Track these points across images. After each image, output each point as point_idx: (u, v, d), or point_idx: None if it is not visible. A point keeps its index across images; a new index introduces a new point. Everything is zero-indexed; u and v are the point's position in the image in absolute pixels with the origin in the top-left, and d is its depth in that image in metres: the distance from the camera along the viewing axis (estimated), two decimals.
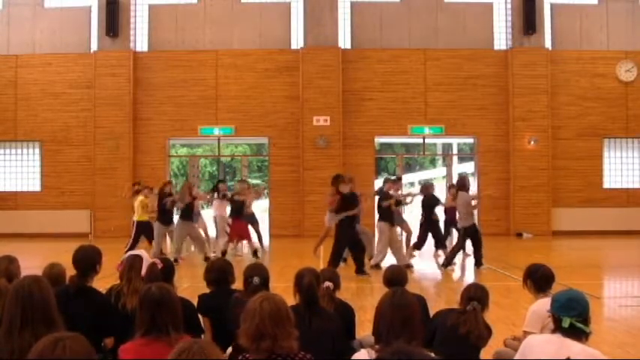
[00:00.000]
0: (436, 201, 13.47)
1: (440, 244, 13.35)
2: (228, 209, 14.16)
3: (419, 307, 3.54)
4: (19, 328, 3.13)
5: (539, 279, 4.71)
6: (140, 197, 13.66)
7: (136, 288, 4.48)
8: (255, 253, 13.34)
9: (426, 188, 13.67)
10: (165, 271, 4.69)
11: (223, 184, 15.29)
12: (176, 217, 13.76)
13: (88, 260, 4.61)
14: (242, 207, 13.80)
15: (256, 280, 4.42)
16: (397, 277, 4.89)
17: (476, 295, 4.33)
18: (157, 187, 14.02)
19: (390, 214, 11.93)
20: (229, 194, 14.31)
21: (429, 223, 13.15)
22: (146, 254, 5.24)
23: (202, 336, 4.53)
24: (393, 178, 13.79)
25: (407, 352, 2.31)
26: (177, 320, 3.36)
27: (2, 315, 3.25)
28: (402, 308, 3.36)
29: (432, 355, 3.16)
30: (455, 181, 16.28)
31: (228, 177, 39.44)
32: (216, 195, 14.92)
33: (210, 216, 15.89)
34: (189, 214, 13.23)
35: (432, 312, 4.74)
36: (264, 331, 2.97)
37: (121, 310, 4.52)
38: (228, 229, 14.02)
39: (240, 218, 13.74)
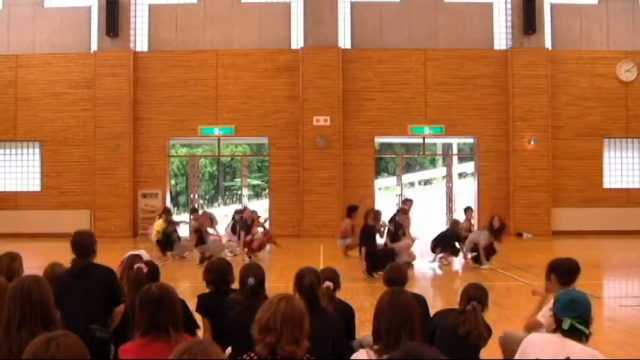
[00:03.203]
0: (458, 239, 13.03)
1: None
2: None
3: (417, 307, 3.54)
4: (17, 326, 3.16)
5: (564, 272, 4.67)
6: (160, 221, 14.29)
7: None
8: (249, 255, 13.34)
9: (455, 224, 13.26)
10: (151, 274, 4.69)
11: (238, 215, 14.85)
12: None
13: (87, 244, 4.87)
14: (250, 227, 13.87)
15: (251, 280, 4.42)
16: (397, 276, 4.91)
17: (476, 295, 4.33)
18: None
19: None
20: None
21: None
22: (146, 254, 5.26)
23: (197, 331, 4.54)
24: (406, 202, 13.81)
25: (419, 352, 2.24)
26: (177, 320, 3.36)
27: (1, 314, 3.28)
28: (400, 308, 3.36)
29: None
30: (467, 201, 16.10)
31: (228, 177, 39.47)
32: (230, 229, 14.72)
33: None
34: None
35: (431, 312, 4.74)
36: (272, 326, 2.99)
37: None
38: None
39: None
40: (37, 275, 3.55)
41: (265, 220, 15.49)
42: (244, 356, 3.10)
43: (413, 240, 12.82)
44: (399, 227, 12.42)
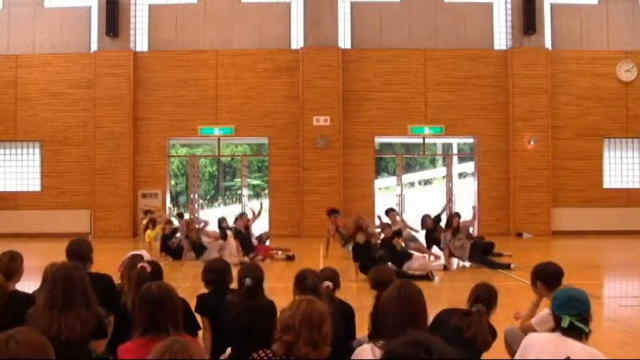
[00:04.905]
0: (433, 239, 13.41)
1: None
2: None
3: (425, 300, 3.51)
4: (60, 306, 3.54)
5: (550, 277, 4.65)
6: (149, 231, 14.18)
7: None
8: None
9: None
10: (154, 274, 4.68)
11: (225, 221, 14.57)
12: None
13: (83, 251, 4.93)
14: (248, 238, 13.51)
15: (248, 281, 4.40)
16: (385, 278, 4.75)
17: (482, 297, 4.27)
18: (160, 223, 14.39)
19: None
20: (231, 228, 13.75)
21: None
22: (147, 254, 5.27)
23: (199, 332, 4.53)
24: (389, 213, 13.69)
25: (424, 344, 1.98)
26: (177, 319, 3.34)
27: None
28: (409, 302, 3.33)
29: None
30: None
31: (228, 177, 39.46)
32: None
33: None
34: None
35: (433, 312, 4.71)
36: (291, 325, 3.00)
37: (121, 309, 4.54)
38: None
39: (259, 244, 13.66)
40: (74, 262, 3.94)
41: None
42: (260, 352, 3.09)
43: (425, 250, 12.90)
44: (393, 247, 12.05)
